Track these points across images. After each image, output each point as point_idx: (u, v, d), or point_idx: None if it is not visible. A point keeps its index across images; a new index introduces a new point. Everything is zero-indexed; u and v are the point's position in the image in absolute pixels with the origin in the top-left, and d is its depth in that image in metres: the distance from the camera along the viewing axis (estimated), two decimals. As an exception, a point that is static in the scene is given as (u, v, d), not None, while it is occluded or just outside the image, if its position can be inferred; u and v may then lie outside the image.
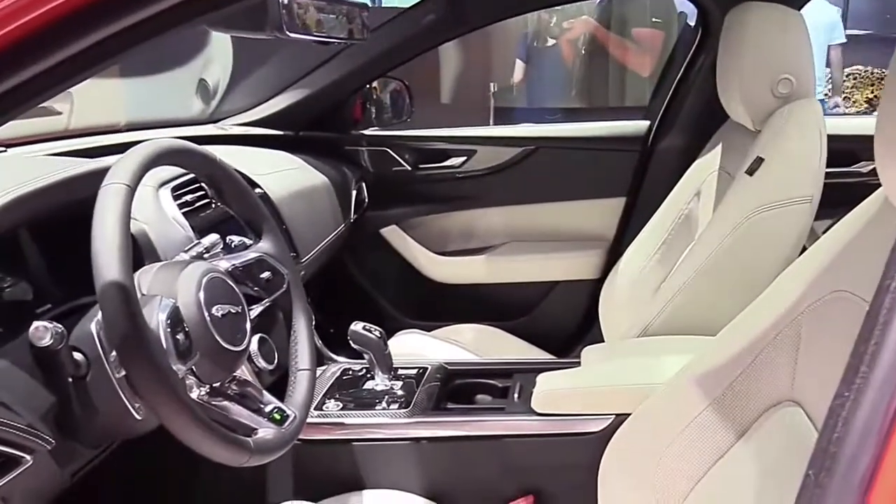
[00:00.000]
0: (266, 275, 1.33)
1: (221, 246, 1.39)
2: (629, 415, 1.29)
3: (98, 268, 0.98)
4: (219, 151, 2.16)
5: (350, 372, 1.78)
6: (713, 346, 1.16)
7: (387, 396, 1.63)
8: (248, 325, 1.22)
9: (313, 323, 1.41)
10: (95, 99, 1.96)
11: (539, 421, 1.52)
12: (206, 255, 1.34)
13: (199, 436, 1.02)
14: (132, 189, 1.05)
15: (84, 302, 1.18)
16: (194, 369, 1.11)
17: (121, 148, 1.96)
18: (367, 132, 2.55)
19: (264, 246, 1.36)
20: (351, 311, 2.55)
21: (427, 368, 1.77)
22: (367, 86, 2.51)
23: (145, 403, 1.03)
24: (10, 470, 1.01)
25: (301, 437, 1.54)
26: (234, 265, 1.28)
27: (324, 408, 1.61)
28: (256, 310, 1.31)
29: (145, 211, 1.46)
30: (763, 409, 1.05)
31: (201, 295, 1.12)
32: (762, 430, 1.05)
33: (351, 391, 1.68)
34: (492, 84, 5.29)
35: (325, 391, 1.69)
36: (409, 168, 2.53)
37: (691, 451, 1.12)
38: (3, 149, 1.52)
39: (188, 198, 1.58)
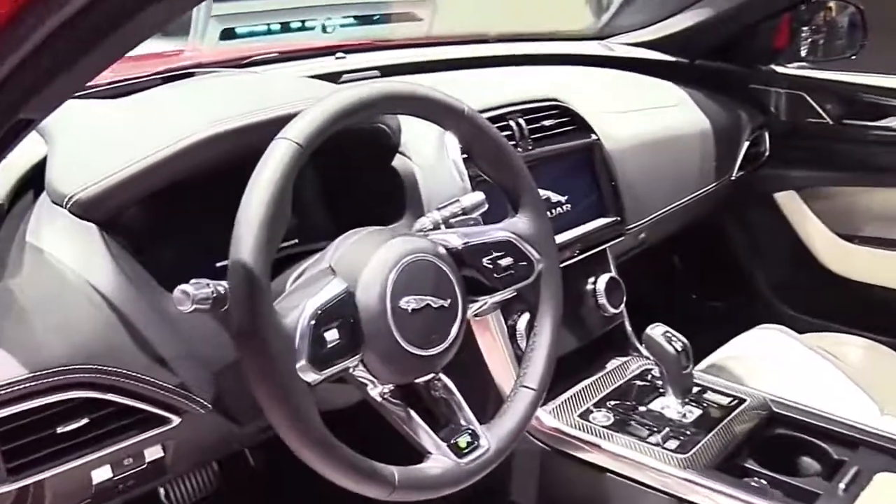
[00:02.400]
0: (507, 261, 1.06)
1: (485, 209, 1.15)
2: None
3: (234, 241, 0.82)
4: (592, 74, 1.92)
5: (649, 376, 1.44)
6: None
7: (668, 429, 1.28)
8: (457, 326, 0.98)
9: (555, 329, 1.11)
10: (462, 5, 1.80)
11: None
12: (452, 221, 1.12)
13: (318, 460, 0.84)
14: (303, 150, 0.85)
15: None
16: (366, 365, 0.92)
17: (486, 62, 1.83)
18: (782, 69, 2.03)
19: (519, 224, 1.08)
20: (714, 283, 2.17)
21: (744, 401, 1.36)
22: (803, 6, 1.98)
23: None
24: (155, 427, 0.95)
25: (546, 442, 1.30)
26: (467, 243, 1.04)
27: (590, 417, 1.32)
28: (485, 302, 1.06)
29: (424, 150, 1.28)
30: None
31: (390, 281, 0.91)
32: None
33: (630, 404, 1.35)
34: None
35: (603, 395, 1.39)
36: (830, 121, 1.97)
37: None
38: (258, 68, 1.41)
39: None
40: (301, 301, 0.87)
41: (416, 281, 0.94)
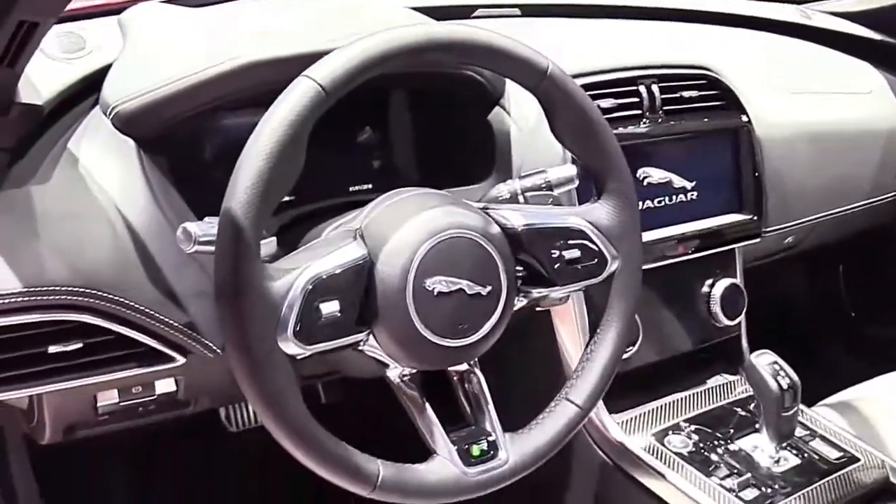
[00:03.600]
0: (573, 253, 0.90)
1: (574, 185, 1.00)
2: None
3: (230, 185, 0.72)
4: (774, 43, 1.66)
5: (752, 405, 1.23)
6: None
7: (751, 474, 1.09)
8: (496, 318, 0.84)
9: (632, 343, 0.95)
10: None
11: None
12: (528, 194, 0.97)
13: (288, 440, 0.75)
14: (326, 95, 0.74)
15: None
16: (380, 345, 0.82)
17: (648, 13, 1.61)
18: None
19: (599, 212, 0.92)
20: (881, 304, 1.87)
21: (857, 460, 1.14)
22: None
23: None
24: (156, 363, 0.89)
25: (610, 455, 1.16)
26: (529, 225, 0.89)
27: (665, 440, 1.15)
28: (543, 295, 0.91)
29: (528, 107, 1.12)
30: None
31: (418, 255, 0.79)
32: None
33: (717, 434, 1.17)
34: None
35: (690, 416, 1.21)
36: None
37: None
38: None
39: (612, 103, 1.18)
40: (304, 263, 0.77)
41: (452, 260, 0.82)
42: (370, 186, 1.09)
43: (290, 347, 0.75)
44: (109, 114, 0.90)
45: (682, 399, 1.25)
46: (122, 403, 0.95)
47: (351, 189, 1.10)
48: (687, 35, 1.50)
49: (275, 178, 0.72)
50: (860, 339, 1.88)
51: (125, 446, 1.43)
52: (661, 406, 1.22)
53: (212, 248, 0.75)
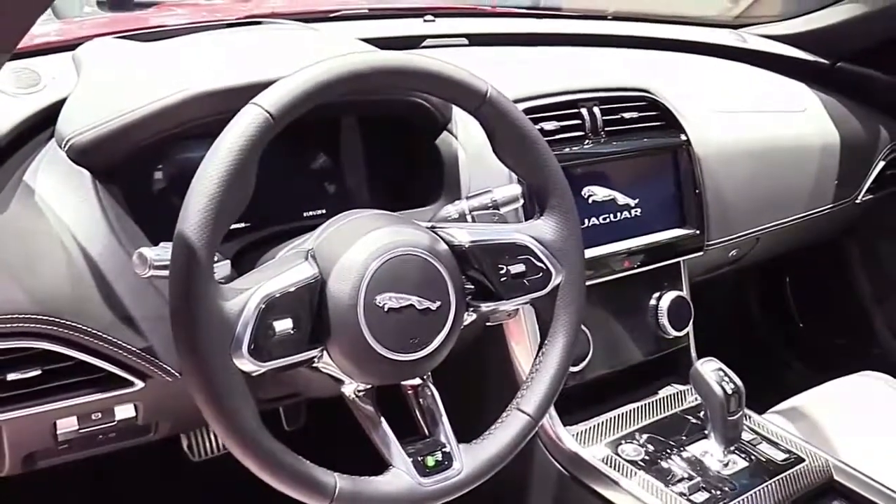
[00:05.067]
0: (518, 268, 0.94)
1: (520, 205, 1.04)
2: None
3: (183, 208, 0.75)
4: (710, 66, 1.73)
5: (702, 412, 1.28)
6: None
7: (700, 478, 1.13)
8: (445, 332, 0.88)
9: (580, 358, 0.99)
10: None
11: None
12: (475, 213, 1.01)
13: (244, 455, 0.77)
14: (273, 121, 0.77)
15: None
16: (333, 360, 0.84)
17: (589, 40, 1.67)
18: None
19: (542, 228, 0.96)
20: (826, 314, 1.94)
21: (801, 461, 1.18)
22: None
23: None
24: (116, 388, 0.91)
25: (565, 466, 1.19)
26: (475, 242, 0.93)
27: (619, 449, 1.19)
28: (492, 309, 0.95)
29: (473, 130, 1.16)
30: None
31: (368, 273, 0.82)
32: None
33: (668, 442, 1.20)
34: None
35: (641, 426, 1.25)
36: None
37: None
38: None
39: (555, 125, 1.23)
40: (257, 283, 0.80)
41: (401, 277, 0.85)
42: (324, 211, 1.12)
43: (245, 364, 0.77)
44: (64, 146, 0.92)
45: (634, 409, 1.29)
46: (81, 431, 0.95)
47: (305, 214, 1.13)
48: (627, 60, 1.56)
49: (226, 200, 0.75)
50: (808, 348, 1.95)
51: (84, 480, 1.43)
52: (614, 417, 1.26)
53: (166, 273, 0.77)
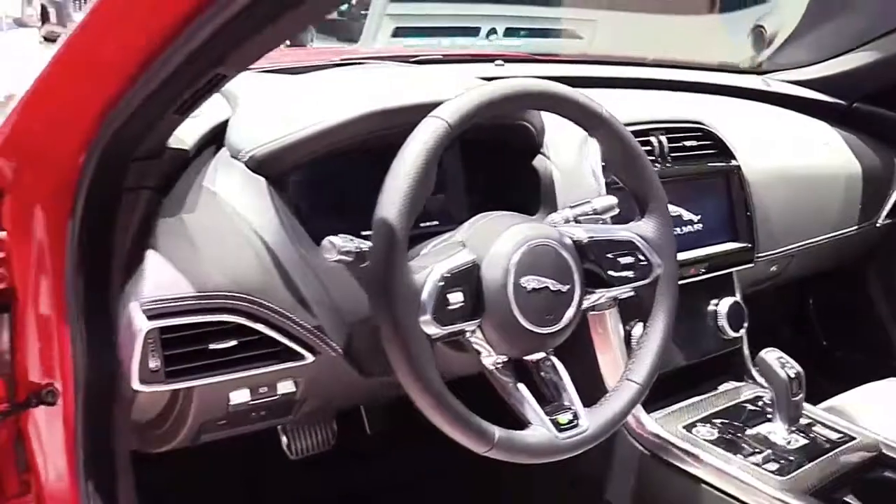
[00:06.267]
0: (628, 259, 1.12)
1: (615, 213, 1.22)
2: None
3: (379, 203, 0.93)
4: (743, 106, 1.94)
5: (759, 402, 1.45)
6: None
7: (770, 451, 1.29)
8: (572, 311, 1.05)
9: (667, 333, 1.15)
10: (623, 29, 1.86)
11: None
12: (580, 218, 1.19)
13: (429, 405, 0.93)
14: (451, 129, 0.95)
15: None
16: (483, 333, 1.01)
17: (640, 83, 1.88)
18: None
19: (644, 228, 1.14)
20: (847, 332, 2.11)
21: (853, 439, 1.35)
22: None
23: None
24: (291, 360, 1.07)
25: (647, 447, 1.34)
26: (592, 237, 1.11)
27: (694, 430, 1.35)
28: (602, 295, 1.12)
29: (565, 153, 1.35)
30: None
31: (514, 260, 1.00)
32: None
33: (736, 425, 1.37)
34: None
35: (710, 413, 1.41)
36: None
37: None
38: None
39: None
40: (431, 264, 0.97)
41: (539, 264, 1.02)
42: (437, 222, 1.30)
43: (430, 327, 0.94)
44: (244, 157, 1.09)
45: (701, 401, 1.45)
46: (251, 402, 1.10)
47: (421, 224, 1.30)
48: (682, 99, 1.77)
49: (416, 194, 0.93)
50: (832, 364, 2.12)
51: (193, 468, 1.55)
52: (686, 406, 1.42)
53: (350, 259, 0.95)
